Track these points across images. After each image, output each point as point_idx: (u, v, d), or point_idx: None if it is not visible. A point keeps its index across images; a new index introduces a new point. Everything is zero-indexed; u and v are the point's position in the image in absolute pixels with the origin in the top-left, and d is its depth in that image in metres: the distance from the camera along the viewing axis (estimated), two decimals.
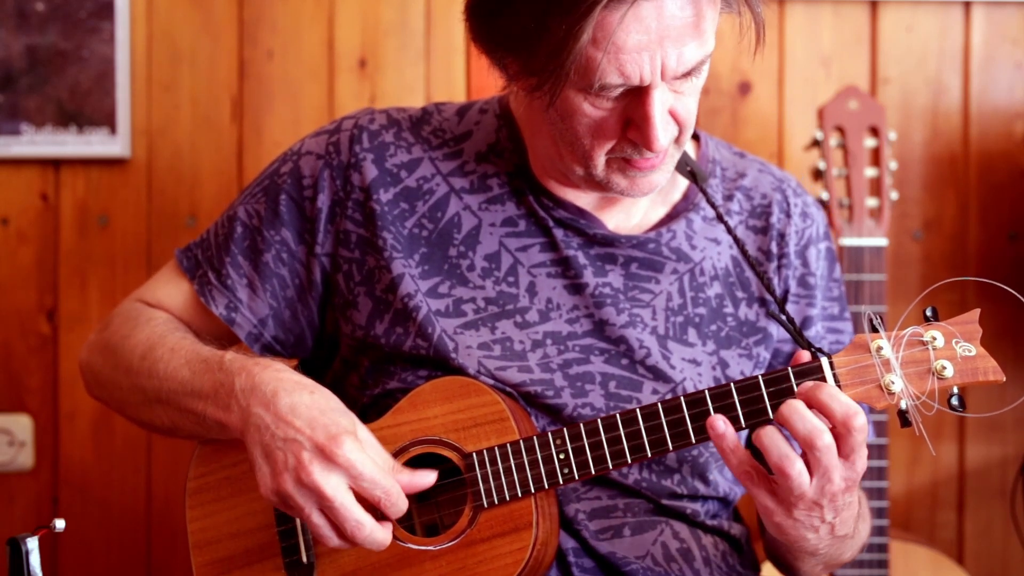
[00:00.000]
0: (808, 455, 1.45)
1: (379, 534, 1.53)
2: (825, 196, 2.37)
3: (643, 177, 1.62)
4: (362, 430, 1.55)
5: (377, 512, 1.54)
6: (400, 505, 1.54)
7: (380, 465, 1.53)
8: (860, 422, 1.45)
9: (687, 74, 1.54)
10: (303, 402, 1.54)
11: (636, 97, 1.55)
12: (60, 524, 1.43)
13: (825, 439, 1.44)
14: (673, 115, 1.58)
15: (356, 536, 1.52)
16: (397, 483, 1.53)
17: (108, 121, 2.52)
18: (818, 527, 1.51)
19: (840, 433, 1.45)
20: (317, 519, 1.53)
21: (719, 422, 1.49)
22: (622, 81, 1.52)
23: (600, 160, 1.61)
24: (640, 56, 1.50)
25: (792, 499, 1.47)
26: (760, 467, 1.49)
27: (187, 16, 2.55)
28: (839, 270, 1.86)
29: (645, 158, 1.60)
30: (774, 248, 1.79)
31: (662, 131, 1.55)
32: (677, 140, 1.62)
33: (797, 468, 1.45)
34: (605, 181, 1.64)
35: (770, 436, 1.46)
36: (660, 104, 1.54)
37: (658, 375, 1.70)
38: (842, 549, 1.63)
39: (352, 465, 1.50)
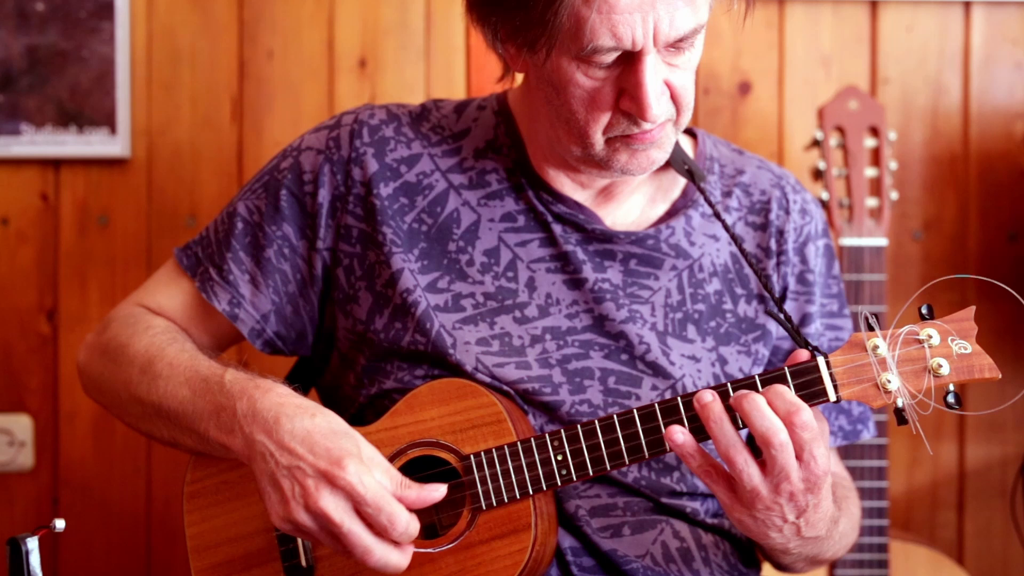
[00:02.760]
0: (764, 453, 1.46)
1: (393, 557, 1.52)
2: (825, 196, 2.37)
3: (643, 151, 1.62)
4: (367, 449, 1.53)
5: None
6: (409, 531, 1.51)
7: (386, 487, 1.51)
8: (801, 419, 1.45)
9: (679, 44, 1.55)
10: (305, 427, 1.52)
11: (629, 65, 1.55)
12: (60, 524, 1.43)
13: (780, 437, 1.45)
14: (669, 87, 1.58)
15: (367, 561, 1.51)
16: (404, 508, 1.51)
17: (108, 121, 2.52)
18: (781, 527, 1.51)
19: (789, 431, 1.45)
20: (330, 545, 1.52)
21: (677, 435, 1.49)
22: (614, 43, 1.52)
23: (598, 138, 1.61)
24: (632, 17, 1.51)
25: (748, 495, 1.48)
26: (718, 464, 1.50)
27: (187, 16, 2.55)
28: (838, 267, 1.86)
29: (643, 131, 1.60)
30: (773, 245, 1.79)
31: (655, 98, 1.55)
32: (676, 121, 1.62)
33: (742, 458, 1.46)
34: (605, 159, 1.63)
35: (719, 427, 1.47)
36: (653, 71, 1.54)
37: (658, 371, 1.70)
38: (818, 549, 1.62)
39: (353, 489, 1.49)
